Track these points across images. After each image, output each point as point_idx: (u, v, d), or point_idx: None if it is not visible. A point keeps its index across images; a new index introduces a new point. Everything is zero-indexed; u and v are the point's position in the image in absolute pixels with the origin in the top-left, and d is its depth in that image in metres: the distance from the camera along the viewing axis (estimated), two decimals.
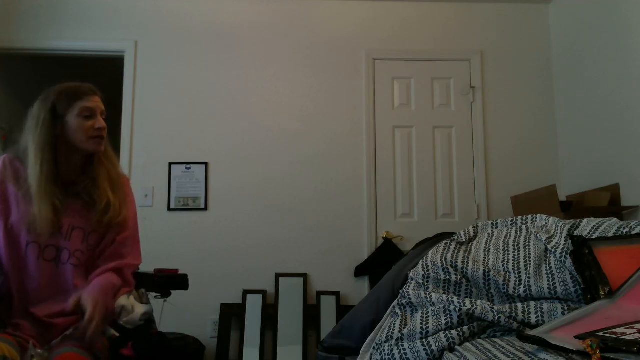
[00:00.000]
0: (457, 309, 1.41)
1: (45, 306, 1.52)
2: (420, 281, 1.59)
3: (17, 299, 1.52)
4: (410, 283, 1.64)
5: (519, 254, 1.55)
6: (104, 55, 3.74)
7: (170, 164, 3.56)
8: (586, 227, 1.59)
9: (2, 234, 1.53)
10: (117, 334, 1.54)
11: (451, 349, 1.33)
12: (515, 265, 1.51)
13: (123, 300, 1.61)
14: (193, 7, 3.73)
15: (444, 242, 1.73)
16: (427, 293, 1.53)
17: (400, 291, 1.64)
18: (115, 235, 1.67)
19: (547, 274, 1.45)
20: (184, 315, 3.38)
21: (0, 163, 1.59)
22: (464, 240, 1.74)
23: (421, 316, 1.45)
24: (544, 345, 1.04)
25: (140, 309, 1.62)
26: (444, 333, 1.36)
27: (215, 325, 3.40)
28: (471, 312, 1.39)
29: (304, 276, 3.48)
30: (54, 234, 1.56)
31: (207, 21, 3.73)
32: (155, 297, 1.86)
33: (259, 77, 3.69)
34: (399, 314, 1.56)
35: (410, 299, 1.55)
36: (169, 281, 1.89)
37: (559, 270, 1.44)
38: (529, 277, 1.46)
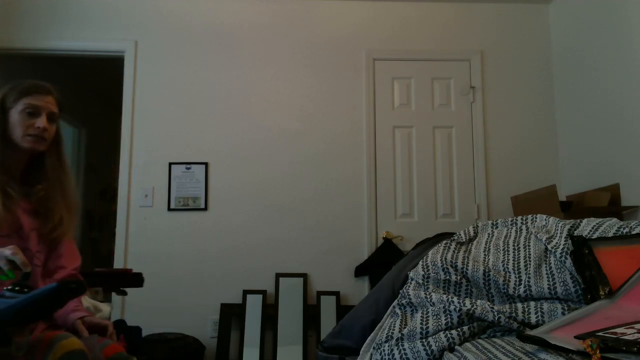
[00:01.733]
0: (457, 309, 1.41)
1: None
2: (420, 281, 1.59)
3: None
4: (410, 283, 1.64)
5: (519, 254, 1.55)
6: (104, 55, 3.74)
7: (170, 164, 3.56)
8: (586, 227, 1.59)
9: None
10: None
11: (451, 349, 1.33)
12: (515, 265, 1.51)
13: (85, 302, 1.64)
14: (193, 7, 3.73)
15: (444, 242, 1.73)
16: (427, 293, 1.53)
17: (400, 291, 1.64)
18: (61, 241, 1.67)
19: (547, 274, 1.45)
20: (184, 315, 3.39)
21: None
22: (464, 240, 1.74)
23: (421, 316, 1.45)
24: (544, 345, 1.04)
25: (106, 307, 1.67)
26: (444, 333, 1.36)
27: (215, 325, 3.40)
28: (471, 312, 1.39)
29: (304, 276, 3.48)
30: (12, 235, 1.52)
31: (207, 21, 3.73)
32: (119, 294, 1.90)
33: (259, 77, 3.69)
34: (399, 314, 1.56)
35: (410, 299, 1.55)
36: (125, 280, 1.93)
37: (559, 270, 1.44)
38: (529, 277, 1.46)
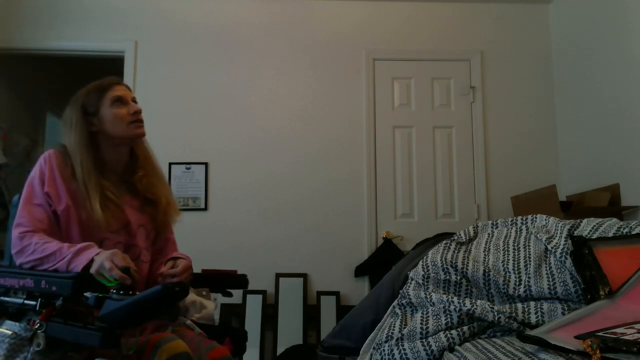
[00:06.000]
0: (457, 309, 1.41)
1: None
2: (420, 281, 1.59)
3: None
4: (410, 283, 1.64)
5: (519, 254, 1.55)
6: (104, 55, 3.74)
7: (170, 164, 3.56)
8: (586, 227, 1.59)
9: (77, 232, 1.50)
10: (205, 334, 1.55)
11: (451, 349, 1.33)
12: (515, 266, 1.51)
13: (191, 295, 1.63)
14: (193, 7, 3.73)
15: (444, 242, 1.73)
16: (427, 293, 1.52)
17: (400, 291, 1.64)
18: (168, 234, 1.72)
19: (547, 274, 1.45)
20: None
21: (55, 160, 1.53)
22: (464, 240, 1.73)
23: (421, 316, 1.45)
24: (544, 345, 1.04)
25: (211, 305, 1.65)
26: (444, 333, 1.36)
27: None
28: (471, 312, 1.39)
29: (304, 276, 3.48)
30: (120, 231, 1.55)
31: (207, 21, 3.73)
32: (225, 296, 1.93)
33: (258, 77, 3.69)
34: (399, 314, 1.56)
35: (410, 299, 1.55)
36: (233, 281, 1.97)
37: (559, 270, 1.44)
38: (529, 277, 1.46)
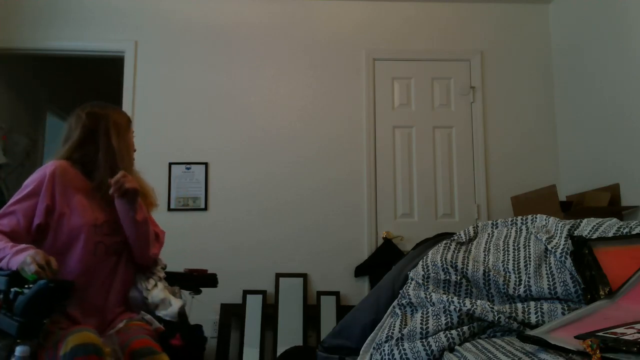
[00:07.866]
0: (457, 309, 1.41)
1: (100, 297, 1.64)
2: (420, 281, 1.59)
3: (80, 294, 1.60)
4: (410, 283, 1.64)
5: (519, 254, 1.55)
6: (104, 55, 3.74)
7: (170, 164, 3.56)
8: (586, 227, 1.60)
9: (69, 238, 1.61)
10: (163, 328, 1.67)
11: (451, 349, 1.33)
12: (515, 266, 1.51)
13: (162, 294, 1.76)
14: (193, 7, 3.73)
15: (444, 242, 1.73)
16: (427, 293, 1.53)
17: (400, 291, 1.64)
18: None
19: (547, 274, 1.45)
20: None
21: (59, 171, 1.64)
22: (464, 240, 1.74)
23: (421, 316, 1.45)
24: (544, 345, 1.04)
25: (177, 303, 1.77)
26: (444, 333, 1.36)
27: (215, 325, 3.40)
28: (471, 312, 1.39)
29: (304, 276, 3.48)
30: (117, 231, 1.68)
31: (207, 21, 3.73)
32: (190, 294, 2.06)
33: (258, 77, 3.69)
34: (399, 314, 1.56)
35: (410, 299, 1.55)
36: (202, 279, 2.12)
37: (559, 270, 1.44)
38: (529, 277, 1.46)
